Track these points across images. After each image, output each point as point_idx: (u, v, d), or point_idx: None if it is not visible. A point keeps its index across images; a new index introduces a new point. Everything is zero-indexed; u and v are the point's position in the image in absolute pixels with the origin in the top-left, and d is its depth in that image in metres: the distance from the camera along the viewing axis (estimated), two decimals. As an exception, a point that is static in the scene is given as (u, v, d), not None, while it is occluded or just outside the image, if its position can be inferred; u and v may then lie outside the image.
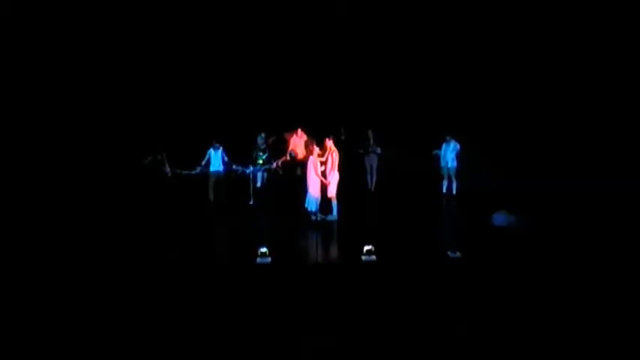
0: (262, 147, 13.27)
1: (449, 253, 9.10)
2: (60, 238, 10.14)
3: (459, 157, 13.35)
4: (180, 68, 15.01)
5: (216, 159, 12.84)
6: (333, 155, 11.34)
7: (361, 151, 14.01)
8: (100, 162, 13.83)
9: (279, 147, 13.67)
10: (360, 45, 15.30)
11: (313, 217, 11.24)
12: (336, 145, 11.75)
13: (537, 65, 14.74)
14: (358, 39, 15.28)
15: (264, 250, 8.88)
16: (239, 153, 13.15)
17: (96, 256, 9.17)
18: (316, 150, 11.41)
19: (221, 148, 12.88)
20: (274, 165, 13.17)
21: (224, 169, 12.89)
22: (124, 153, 13.69)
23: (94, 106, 14.53)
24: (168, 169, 12.67)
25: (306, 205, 11.24)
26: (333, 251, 10.21)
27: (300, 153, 13.33)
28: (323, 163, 11.38)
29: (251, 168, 13.00)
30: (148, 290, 8.13)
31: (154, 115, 14.62)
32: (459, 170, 13.39)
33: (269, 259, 8.80)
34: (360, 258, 8.92)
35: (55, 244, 9.82)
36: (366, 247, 8.97)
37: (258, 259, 8.82)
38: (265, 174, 13.37)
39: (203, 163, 12.84)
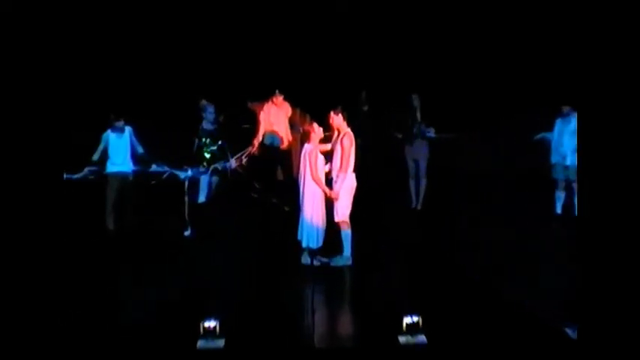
0: (211, 129, 11.61)
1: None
2: None
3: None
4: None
5: (118, 150, 10.77)
6: (345, 142, 9.85)
7: (399, 136, 12.30)
8: None
9: (241, 127, 12.45)
10: None
11: (307, 261, 9.99)
12: (350, 123, 10.21)
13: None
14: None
15: (212, 324, 8.06)
16: (167, 140, 11.82)
17: None
18: (317, 132, 10.08)
19: (129, 131, 10.85)
20: (233, 163, 11.68)
21: (134, 169, 11.00)
22: None
23: None
24: None
25: (299, 238, 9.95)
26: (345, 327, 9.07)
27: (285, 138, 12.24)
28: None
29: (189, 171, 11.38)
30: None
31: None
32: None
33: (221, 342, 7.99)
34: (397, 338, 8.06)
35: None
36: (407, 320, 8.14)
37: (201, 342, 8.03)
38: (215, 179, 11.73)
39: (95, 157, 10.68)
